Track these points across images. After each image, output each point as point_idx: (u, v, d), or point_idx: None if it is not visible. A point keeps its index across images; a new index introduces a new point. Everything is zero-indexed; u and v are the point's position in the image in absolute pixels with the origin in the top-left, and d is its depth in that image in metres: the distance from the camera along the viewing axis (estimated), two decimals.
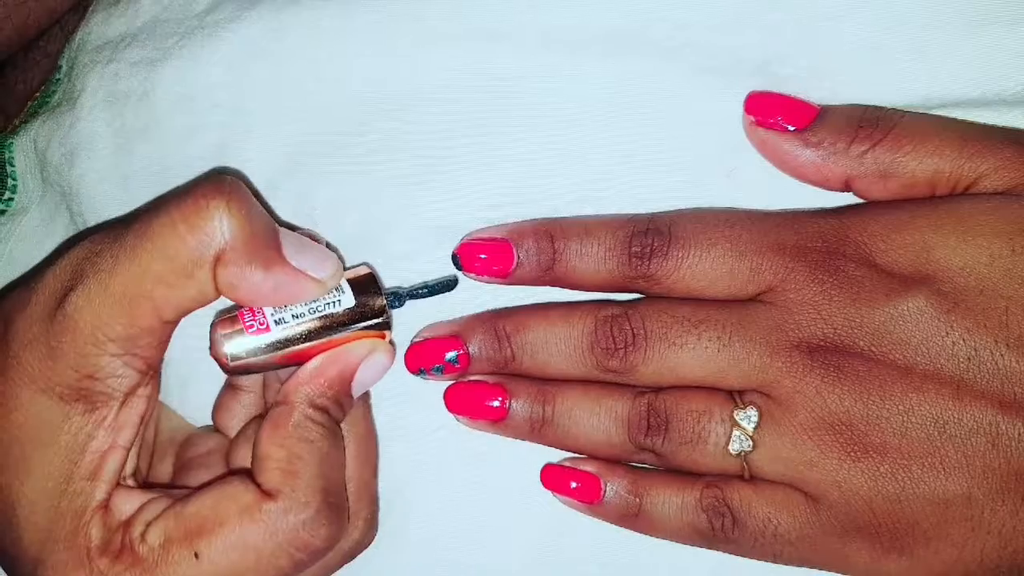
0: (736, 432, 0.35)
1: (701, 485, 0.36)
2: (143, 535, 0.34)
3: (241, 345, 0.35)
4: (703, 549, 0.37)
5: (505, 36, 0.38)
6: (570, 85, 0.38)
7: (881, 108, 0.37)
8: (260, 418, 0.38)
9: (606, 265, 0.37)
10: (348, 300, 0.35)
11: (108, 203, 0.41)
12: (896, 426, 0.34)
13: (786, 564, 0.36)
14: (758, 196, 0.38)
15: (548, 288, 0.38)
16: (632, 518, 0.37)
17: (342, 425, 0.36)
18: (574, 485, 0.37)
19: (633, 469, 0.37)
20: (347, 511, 0.36)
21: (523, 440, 0.38)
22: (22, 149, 0.45)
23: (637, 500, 0.37)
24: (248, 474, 0.35)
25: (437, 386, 0.39)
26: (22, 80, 0.50)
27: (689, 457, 0.36)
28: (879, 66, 0.37)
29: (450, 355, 0.38)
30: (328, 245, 0.37)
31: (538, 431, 0.38)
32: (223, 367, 0.35)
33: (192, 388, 0.41)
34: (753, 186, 0.38)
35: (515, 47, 0.38)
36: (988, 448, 0.33)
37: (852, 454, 0.34)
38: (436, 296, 0.38)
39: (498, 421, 0.38)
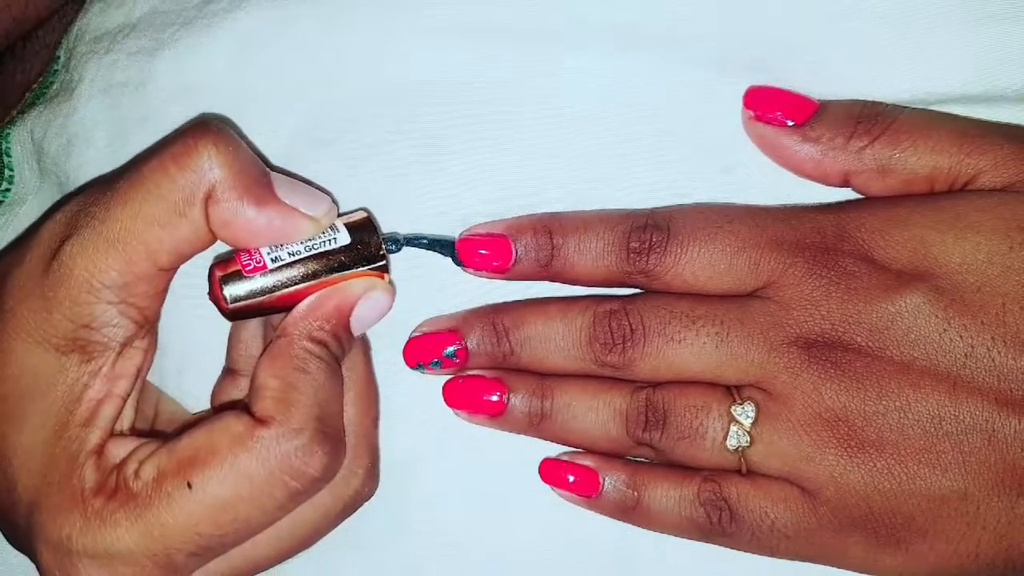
0: (733, 427, 0.35)
1: (699, 479, 0.36)
2: (136, 472, 0.34)
3: (240, 287, 0.35)
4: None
5: (503, 30, 0.38)
6: (568, 79, 0.38)
7: (880, 104, 0.37)
8: None
9: (604, 261, 0.37)
10: (344, 239, 0.35)
11: None
12: (893, 422, 0.34)
13: (783, 558, 0.36)
14: (757, 191, 0.38)
15: (547, 283, 0.38)
16: (630, 512, 0.37)
17: (343, 371, 0.36)
18: (572, 479, 0.37)
19: (631, 463, 0.37)
20: (343, 444, 0.36)
21: (522, 434, 0.38)
22: (19, 140, 0.44)
23: (635, 494, 0.37)
24: (244, 407, 0.35)
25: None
26: (20, 71, 0.50)
27: (687, 452, 0.36)
28: (879, 61, 0.37)
29: (449, 350, 0.38)
30: (320, 189, 0.37)
31: (536, 426, 0.38)
32: (222, 310, 0.35)
33: (189, 376, 0.41)
34: (752, 181, 0.38)
35: (514, 41, 0.38)
36: (984, 445, 0.33)
37: (849, 449, 0.34)
38: (431, 275, 0.38)
39: (496, 416, 0.38)
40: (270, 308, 0.35)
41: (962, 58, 0.37)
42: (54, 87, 0.45)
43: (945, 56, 0.37)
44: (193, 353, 0.40)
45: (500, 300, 0.39)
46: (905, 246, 0.35)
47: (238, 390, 0.39)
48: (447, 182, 0.39)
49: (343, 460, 0.35)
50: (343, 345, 0.36)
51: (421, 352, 0.38)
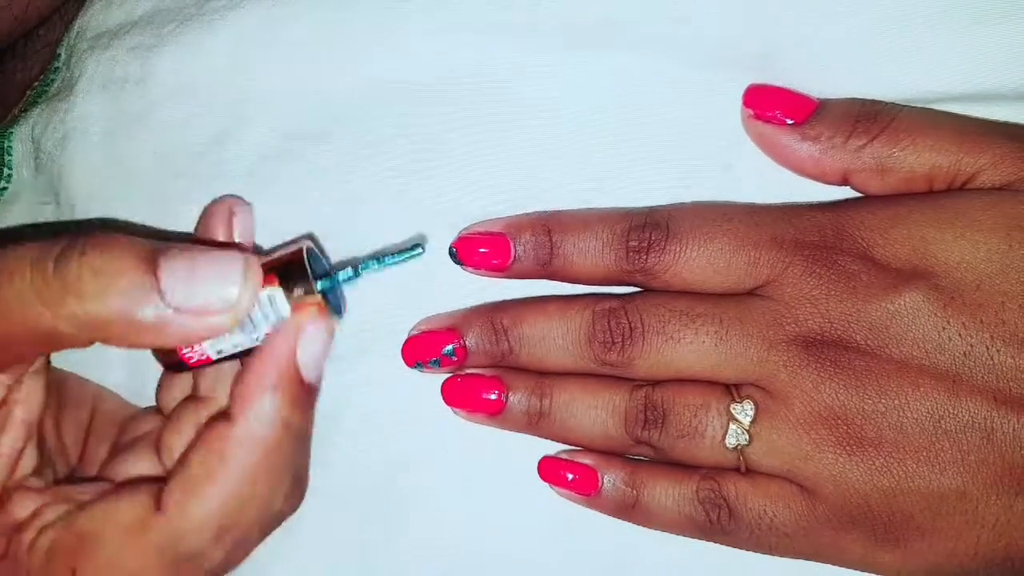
0: (732, 426, 0.35)
1: (698, 477, 0.36)
2: (32, 542, 0.31)
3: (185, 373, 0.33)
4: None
5: (503, 29, 0.38)
6: (567, 78, 0.38)
7: (879, 102, 0.37)
8: (192, 400, 0.36)
9: (603, 259, 0.37)
10: (282, 307, 0.32)
11: (96, 189, 0.41)
12: (892, 421, 0.34)
13: (782, 556, 0.36)
14: (756, 190, 0.38)
15: (547, 281, 0.38)
16: (629, 510, 0.37)
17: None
18: (571, 477, 0.37)
19: (630, 461, 0.37)
20: (250, 544, 0.33)
21: (521, 433, 0.38)
22: (21, 139, 0.44)
23: (634, 492, 0.37)
24: (153, 481, 0.32)
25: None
26: (22, 69, 0.50)
27: (686, 450, 0.36)
28: (879, 60, 0.37)
29: (447, 348, 0.38)
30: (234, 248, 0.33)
31: (535, 424, 0.37)
32: (158, 359, 0.34)
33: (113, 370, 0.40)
34: (751, 180, 0.38)
35: (512, 40, 0.38)
36: (983, 443, 0.33)
37: (847, 448, 0.34)
38: (431, 273, 0.38)
39: (495, 414, 0.38)
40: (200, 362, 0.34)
41: (962, 57, 0.37)
42: (55, 85, 0.45)
43: (945, 55, 0.37)
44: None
45: (499, 299, 0.39)
46: (904, 244, 0.35)
47: (179, 390, 0.38)
48: (446, 182, 0.39)
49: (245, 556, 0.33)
50: (303, 408, 0.32)
51: (419, 351, 0.38)
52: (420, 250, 0.34)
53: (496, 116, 0.38)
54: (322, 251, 0.34)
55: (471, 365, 0.38)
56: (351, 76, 0.39)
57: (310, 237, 0.36)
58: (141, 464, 0.36)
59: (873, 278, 0.35)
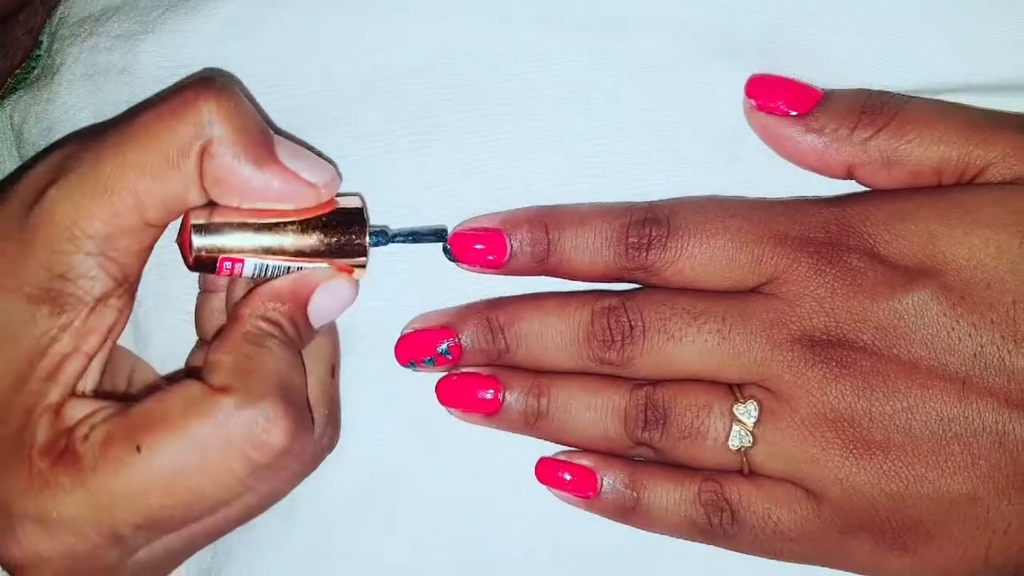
0: (736, 427, 0.35)
1: (700, 479, 0.36)
2: (86, 436, 0.32)
3: (210, 237, 0.34)
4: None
5: (502, 16, 0.38)
6: (566, 66, 0.38)
7: (886, 93, 0.36)
8: None
9: (602, 256, 0.36)
10: (332, 223, 0.34)
11: None
12: (900, 423, 0.33)
13: (786, 560, 0.36)
14: (759, 183, 0.37)
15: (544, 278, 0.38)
16: (629, 512, 0.36)
17: None
18: (569, 478, 0.37)
19: (630, 463, 0.37)
20: (308, 417, 0.34)
21: (517, 434, 0.38)
22: (0, 127, 0.44)
23: (634, 494, 0.36)
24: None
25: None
26: (2, 56, 0.49)
27: (687, 452, 0.36)
28: (885, 49, 0.37)
29: (442, 347, 0.37)
30: (327, 160, 0.36)
31: (532, 424, 0.37)
32: (186, 258, 0.34)
33: (152, 347, 0.40)
34: (754, 173, 0.37)
35: (512, 28, 0.38)
36: (994, 447, 0.33)
37: (854, 451, 0.34)
38: (423, 268, 0.38)
39: (491, 414, 0.37)
40: (235, 262, 0.34)
41: (971, 46, 0.37)
42: (36, 72, 0.44)
43: (953, 44, 0.36)
44: (175, 351, 0.39)
45: (495, 295, 0.38)
46: (912, 241, 0.34)
47: (213, 308, 0.38)
48: (439, 173, 0.38)
49: (311, 434, 0.34)
50: (300, 331, 0.34)
51: (413, 349, 0.37)
52: (444, 233, 0.36)
53: (493, 106, 0.38)
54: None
55: (466, 364, 0.37)
56: (342, 63, 0.38)
57: (359, 195, 0.36)
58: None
59: (880, 276, 0.34)
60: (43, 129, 0.41)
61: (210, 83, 0.33)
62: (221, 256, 0.34)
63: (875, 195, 0.36)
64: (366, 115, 0.38)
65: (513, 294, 0.38)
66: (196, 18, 0.39)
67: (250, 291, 0.35)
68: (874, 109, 0.35)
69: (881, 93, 0.36)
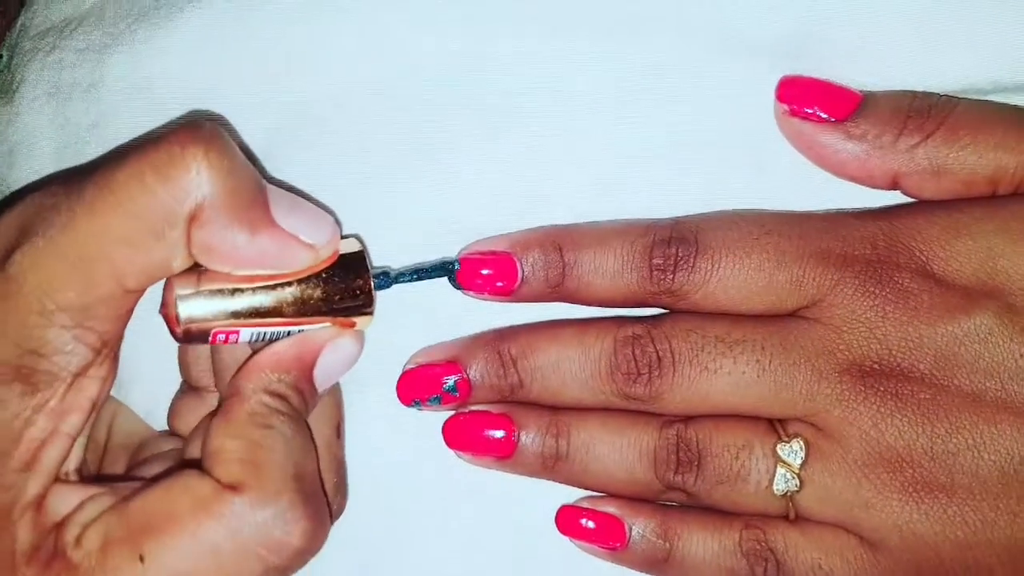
0: (780, 469, 0.33)
1: (740, 526, 0.33)
2: (79, 538, 0.29)
3: (199, 308, 0.31)
4: None
5: (503, 15, 0.36)
6: (578, 70, 0.36)
7: (933, 94, 0.34)
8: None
9: (624, 279, 0.34)
10: (333, 276, 0.32)
11: None
12: (965, 462, 0.31)
13: None
14: (793, 196, 0.35)
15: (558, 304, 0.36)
16: (661, 564, 0.34)
17: None
18: (593, 527, 0.34)
19: (661, 508, 0.35)
20: (325, 501, 0.32)
21: (534, 477, 0.35)
22: None
23: (666, 544, 0.34)
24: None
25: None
26: None
27: (726, 497, 0.33)
28: (931, 46, 0.35)
29: (448, 383, 0.35)
30: (324, 208, 0.34)
31: (551, 468, 0.35)
32: (173, 332, 0.32)
33: (136, 387, 0.37)
34: (788, 184, 0.35)
35: (515, 26, 0.36)
36: None
37: (915, 494, 0.32)
38: (427, 297, 0.36)
39: (505, 457, 0.35)
40: (228, 333, 0.32)
41: (1001, 47, 0.35)
42: None
43: (1007, 39, 0.34)
44: (138, 362, 0.37)
45: (505, 325, 0.36)
46: (969, 258, 0.32)
47: (206, 406, 0.36)
48: (438, 187, 0.36)
49: (328, 525, 0.32)
50: (306, 400, 0.32)
51: (417, 386, 0.35)
52: (451, 267, 0.35)
53: (501, 110, 0.36)
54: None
55: (476, 401, 0.35)
56: (329, 70, 0.36)
57: (357, 237, 0.35)
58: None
59: (936, 298, 0.32)
60: (3, 152, 0.39)
61: (198, 133, 0.30)
62: (213, 328, 0.31)
63: (925, 207, 0.34)
64: (355, 127, 0.36)
65: (526, 323, 0.36)
66: (169, 28, 0.37)
67: (249, 358, 0.32)
68: (921, 113, 0.33)
69: (927, 95, 0.34)
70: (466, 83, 0.36)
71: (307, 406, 0.32)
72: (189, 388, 0.36)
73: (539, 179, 0.36)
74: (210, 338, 0.31)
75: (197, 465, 0.31)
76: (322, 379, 0.33)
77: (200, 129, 0.30)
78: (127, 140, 0.37)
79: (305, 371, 0.32)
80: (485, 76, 0.36)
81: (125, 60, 0.37)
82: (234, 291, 0.31)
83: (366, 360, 0.34)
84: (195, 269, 0.31)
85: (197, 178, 0.29)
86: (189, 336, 0.31)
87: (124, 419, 0.37)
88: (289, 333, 0.32)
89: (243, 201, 0.30)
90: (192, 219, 0.29)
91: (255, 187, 0.31)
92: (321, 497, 0.32)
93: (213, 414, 0.33)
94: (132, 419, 0.37)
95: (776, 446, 0.33)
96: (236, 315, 0.31)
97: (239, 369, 0.32)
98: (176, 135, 0.29)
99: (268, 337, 0.32)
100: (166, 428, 0.37)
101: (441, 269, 0.34)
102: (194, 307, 0.31)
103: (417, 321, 0.36)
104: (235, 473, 0.30)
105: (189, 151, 0.29)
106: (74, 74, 0.38)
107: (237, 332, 0.32)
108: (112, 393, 0.36)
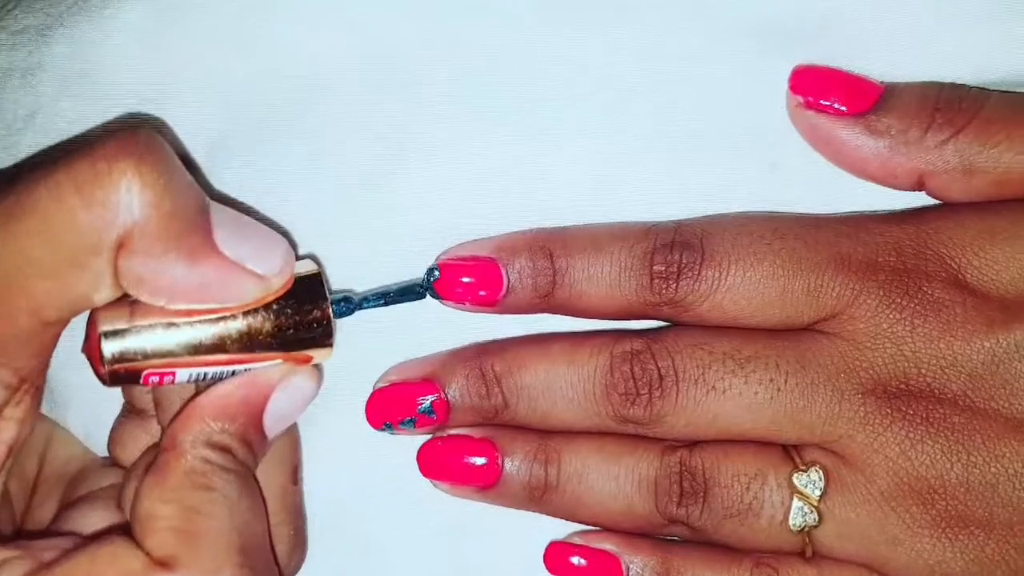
0: (797, 501, 0.31)
1: (750, 564, 0.32)
2: None
3: (126, 345, 0.29)
4: None
5: (493, 3, 0.34)
6: (575, 57, 0.34)
7: (962, 86, 0.33)
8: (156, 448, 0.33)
9: (621, 288, 0.32)
10: (285, 306, 0.30)
11: None
12: (1005, 495, 0.30)
13: None
14: (807, 197, 0.34)
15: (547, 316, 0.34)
16: None
17: None
18: (584, 564, 0.33)
19: (662, 544, 0.33)
20: (276, 571, 0.31)
21: (520, 510, 0.34)
22: None
23: None
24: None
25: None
26: None
27: (735, 532, 0.32)
28: (961, 34, 0.33)
29: (424, 403, 0.33)
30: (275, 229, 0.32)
31: (539, 499, 0.33)
32: (98, 373, 0.30)
33: (73, 408, 0.36)
34: (801, 185, 0.34)
35: (502, 10, 0.34)
36: None
37: (948, 530, 0.30)
38: (400, 306, 0.34)
39: (488, 487, 0.33)
40: (162, 380, 0.30)
41: None
42: None
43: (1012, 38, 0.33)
44: (78, 383, 0.35)
45: (489, 339, 0.34)
46: (1007, 267, 0.31)
47: (149, 435, 0.34)
48: (414, 187, 0.34)
49: None
50: (254, 451, 0.30)
51: (389, 407, 0.33)
52: (420, 290, 0.33)
53: (484, 102, 0.34)
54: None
55: (455, 425, 0.34)
56: (294, 58, 0.35)
57: (312, 257, 0.34)
58: (101, 520, 0.32)
59: (970, 311, 0.31)
60: None
61: (129, 145, 0.27)
62: (145, 369, 0.29)
63: (956, 210, 0.32)
64: (321, 121, 0.35)
65: (512, 337, 0.34)
66: (117, 9, 0.35)
67: (190, 400, 0.30)
68: (951, 105, 0.32)
69: (956, 86, 0.32)
70: (447, 74, 0.34)
71: (255, 458, 0.30)
72: (132, 410, 0.34)
73: (528, 178, 0.34)
74: (141, 380, 0.29)
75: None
76: (273, 425, 0.31)
77: (133, 140, 0.28)
78: (66, 134, 0.35)
79: (253, 418, 0.30)
80: (469, 67, 0.34)
81: (67, 44, 0.35)
82: (169, 325, 0.29)
83: (330, 378, 0.33)
84: (125, 299, 0.29)
85: (126, 199, 0.27)
86: (116, 378, 0.29)
87: (60, 445, 0.35)
88: (235, 372, 0.30)
89: (181, 226, 0.28)
90: (120, 247, 0.27)
91: (196, 208, 0.28)
92: (271, 567, 0.30)
93: (152, 453, 0.31)
94: (69, 444, 0.35)
95: (792, 475, 0.31)
96: (171, 353, 0.29)
97: (176, 416, 0.30)
98: (104, 147, 0.27)
99: (210, 377, 0.30)
100: (107, 455, 0.35)
101: (412, 293, 0.33)
102: (121, 345, 0.29)
103: (389, 335, 0.34)
104: (167, 545, 0.28)
105: (118, 167, 0.27)
106: (10, 58, 0.36)
107: (173, 373, 0.29)
108: (47, 413, 0.34)
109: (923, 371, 0.30)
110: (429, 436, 0.34)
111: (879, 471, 0.30)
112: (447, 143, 0.34)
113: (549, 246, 0.33)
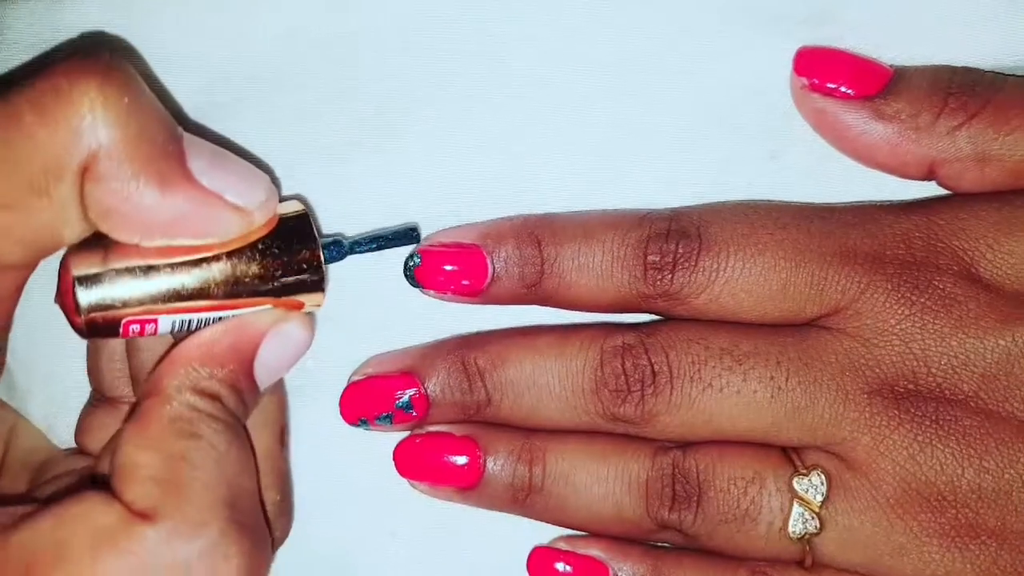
0: (797, 507, 0.30)
1: (746, 573, 0.31)
2: None
3: (104, 292, 0.27)
4: None
5: None
6: (571, 35, 0.33)
7: (976, 70, 0.32)
8: None
9: (613, 279, 0.31)
10: (272, 245, 0.29)
11: None
12: (1019, 503, 0.29)
13: None
14: (811, 185, 0.33)
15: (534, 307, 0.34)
16: None
17: None
18: (570, 571, 0.32)
19: (652, 551, 0.32)
20: (266, 529, 0.30)
21: (504, 512, 0.33)
22: None
23: None
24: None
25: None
26: None
27: (731, 539, 0.30)
28: (977, 16, 0.32)
29: (402, 398, 0.32)
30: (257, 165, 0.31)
31: (523, 501, 0.32)
32: (74, 324, 0.28)
33: (36, 396, 0.34)
34: (802, 174, 0.33)
35: None
36: None
37: (959, 539, 0.29)
38: (378, 295, 0.33)
39: (469, 488, 0.32)
40: (144, 322, 0.28)
41: None
42: None
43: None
44: (39, 370, 0.34)
45: (472, 331, 0.34)
46: (1022, 260, 0.30)
47: (119, 424, 0.32)
48: (399, 169, 0.34)
49: (269, 557, 0.29)
50: (244, 401, 0.29)
51: (364, 402, 0.32)
52: (415, 234, 0.32)
53: (472, 83, 0.33)
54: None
55: (435, 421, 0.33)
56: (274, 29, 0.34)
57: (299, 198, 0.32)
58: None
59: (984, 306, 0.29)
60: None
61: (93, 63, 0.26)
62: (125, 317, 0.27)
63: (968, 201, 0.31)
64: (303, 97, 0.34)
65: (496, 329, 0.34)
66: None
67: (172, 347, 0.29)
68: (964, 90, 0.31)
69: (970, 70, 0.31)
70: (433, 47, 0.33)
71: (246, 408, 0.29)
72: (101, 399, 0.33)
73: (518, 162, 0.34)
74: (120, 330, 0.28)
75: (106, 484, 0.27)
76: (264, 374, 0.29)
77: (96, 59, 0.26)
78: (40, 57, 0.34)
79: (243, 364, 0.29)
80: (457, 38, 0.33)
81: (26, 11, 0.35)
82: (148, 269, 0.27)
83: (300, 370, 0.31)
84: (99, 244, 0.27)
85: (89, 119, 0.25)
86: (93, 328, 0.28)
87: (24, 434, 0.34)
88: (221, 319, 0.29)
89: (151, 150, 0.26)
90: (84, 171, 0.26)
91: (166, 133, 0.27)
92: (261, 525, 0.29)
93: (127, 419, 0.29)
94: (33, 435, 0.34)
95: (792, 479, 0.30)
96: (152, 299, 0.27)
97: (159, 360, 0.29)
98: (64, 66, 0.26)
99: (195, 325, 0.28)
100: (73, 446, 0.34)
101: (405, 237, 0.32)
102: (97, 291, 0.27)
103: (366, 324, 0.33)
104: (150, 496, 0.26)
105: (79, 86, 0.25)
106: None
107: (155, 321, 0.28)
108: (6, 400, 0.34)
109: (933, 370, 0.29)
110: (407, 433, 0.33)
111: (885, 476, 0.29)
112: (431, 122, 0.33)
113: (537, 233, 0.32)
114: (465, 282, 0.32)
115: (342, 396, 0.33)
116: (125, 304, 0.27)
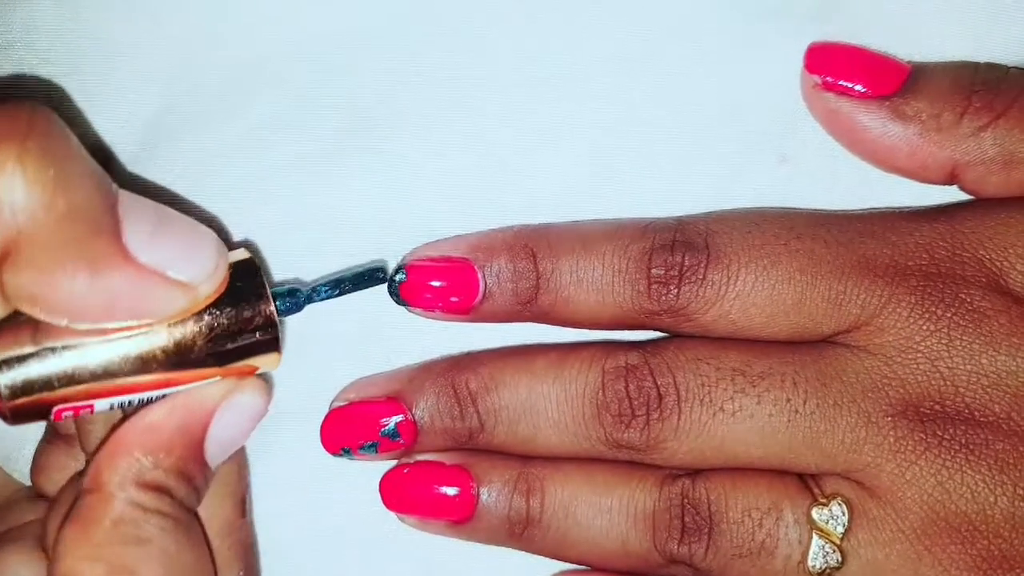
0: (817, 539, 0.28)
1: None
2: None
3: (29, 374, 0.25)
4: None
5: None
6: (566, 32, 0.32)
7: (1000, 67, 0.30)
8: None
9: (614, 295, 0.30)
10: (218, 308, 0.27)
11: None
12: None
13: None
14: (824, 191, 0.32)
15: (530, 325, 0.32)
16: None
17: None
18: None
19: None
20: None
21: (499, 546, 0.31)
22: None
23: None
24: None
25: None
26: None
27: (745, 574, 0.29)
28: (993, 11, 0.31)
29: (388, 425, 0.31)
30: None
31: (520, 535, 0.31)
32: None
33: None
34: (814, 179, 0.32)
35: None
36: None
37: (990, 572, 0.28)
38: (361, 314, 0.32)
39: (461, 521, 0.31)
40: (78, 410, 0.26)
41: None
42: None
43: None
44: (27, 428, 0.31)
45: (463, 351, 0.33)
46: None
47: (76, 462, 0.31)
48: (381, 178, 0.32)
49: None
50: (196, 486, 0.27)
51: (347, 430, 0.31)
52: (381, 275, 0.30)
53: (459, 81, 0.32)
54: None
55: (424, 449, 0.32)
56: (247, 30, 0.33)
57: (246, 245, 0.31)
58: (24, 567, 0.29)
59: (1015, 321, 0.28)
60: None
61: (11, 122, 0.24)
62: (56, 403, 0.26)
63: (994, 207, 0.30)
64: (278, 101, 0.32)
65: (489, 349, 0.33)
66: None
67: (112, 433, 0.27)
68: (989, 88, 0.30)
69: (993, 67, 0.30)
70: (416, 46, 0.32)
71: (198, 495, 0.27)
72: (56, 434, 0.32)
73: (511, 168, 0.32)
74: (52, 415, 0.26)
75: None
76: (217, 453, 0.27)
77: (16, 117, 0.23)
78: None
79: (192, 447, 0.27)
80: (441, 36, 0.32)
81: None
82: (79, 346, 0.25)
83: (278, 397, 0.30)
84: (28, 320, 0.25)
85: (8, 197, 0.23)
86: (20, 415, 0.25)
87: None
88: (165, 395, 0.27)
89: (80, 229, 0.24)
90: (4, 258, 0.23)
91: (99, 205, 0.24)
92: None
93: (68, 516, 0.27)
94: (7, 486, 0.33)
95: (811, 509, 0.29)
96: (85, 380, 0.25)
97: (99, 446, 0.27)
98: None
99: (136, 404, 0.26)
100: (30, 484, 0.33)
101: (370, 279, 0.30)
102: (22, 374, 0.25)
103: (347, 346, 0.32)
104: None
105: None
106: None
107: (90, 405, 0.26)
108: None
109: (961, 391, 0.28)
110: (394, 463, 0.32)
111: (911, 505, 0.28)
112: (420, 127, 0.32)
113: (532, 246, 0.31)
114: (455, 299, 0.31)
115: (323, 424, 0.31)
116: (54, 387, 0.25)
